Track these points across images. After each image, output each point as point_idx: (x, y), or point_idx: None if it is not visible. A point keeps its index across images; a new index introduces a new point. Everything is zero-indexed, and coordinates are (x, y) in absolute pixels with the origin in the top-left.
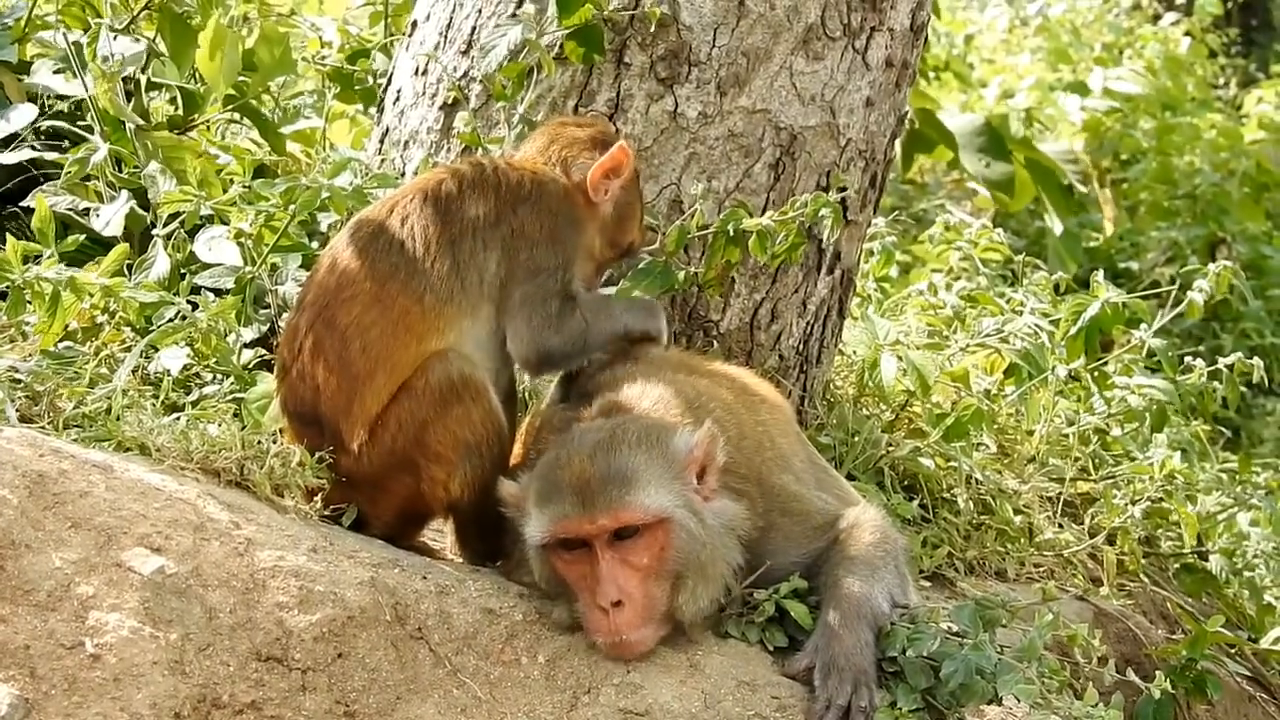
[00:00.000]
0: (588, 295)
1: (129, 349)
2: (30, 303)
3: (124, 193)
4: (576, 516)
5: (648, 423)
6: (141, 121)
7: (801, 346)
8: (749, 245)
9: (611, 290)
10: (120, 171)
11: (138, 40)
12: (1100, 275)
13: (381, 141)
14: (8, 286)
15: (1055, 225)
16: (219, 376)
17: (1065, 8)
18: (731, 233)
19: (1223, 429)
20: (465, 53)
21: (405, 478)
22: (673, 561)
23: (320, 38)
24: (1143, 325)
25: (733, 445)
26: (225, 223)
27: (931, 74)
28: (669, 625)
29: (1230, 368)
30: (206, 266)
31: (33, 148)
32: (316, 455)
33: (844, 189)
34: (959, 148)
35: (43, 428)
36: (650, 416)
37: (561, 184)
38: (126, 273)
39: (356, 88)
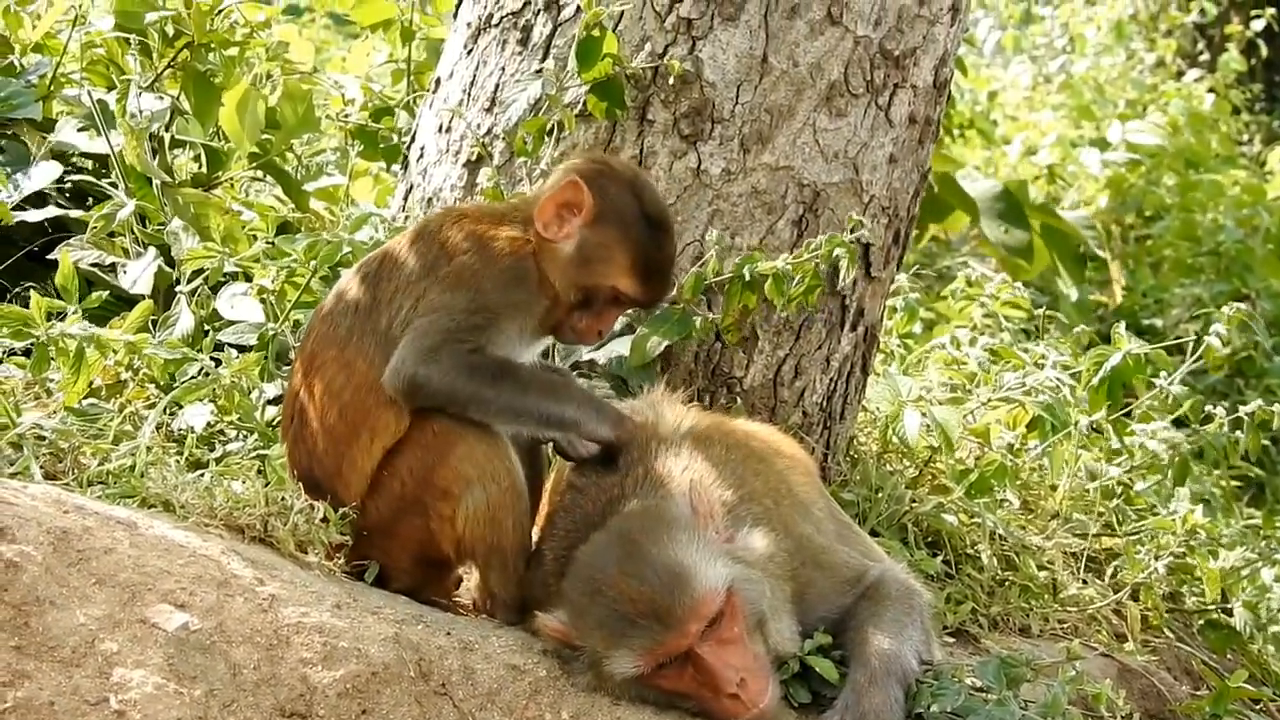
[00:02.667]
0: (531, 367)
1: (153, 406)
2: (54, 360)
3: (151, 249)
4: (667, 638)
5: (640, 510)
6: (167, 178)
7: (825, 403)
8: (765, 290)
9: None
10: (144, 227)
11: (161, 98)
12: (1122, 327)
13: (405, 198)
14: (32, 343)
15: (1072, 292)
16: (243, 433)
17: (1088, 65)
18: (748, 277)
19: (1246, 480)
20: (489, 110)
21: (415, 520)
22: (751, 614)
23: (343, 95)
24: (1163, 374)
25: (748, 492)
26: (249, 279)
27: (956, 131)
28: (776, 665)
29: (1251, 416)
30: (230, 323)
31: (57, 204)
32: (340, 511)
33: (858, 230)
34: (979, 213)
35: (67, 485)
36: (641, 499)
37: (512, 238)
38: (151, 329)
39: (381, 145)
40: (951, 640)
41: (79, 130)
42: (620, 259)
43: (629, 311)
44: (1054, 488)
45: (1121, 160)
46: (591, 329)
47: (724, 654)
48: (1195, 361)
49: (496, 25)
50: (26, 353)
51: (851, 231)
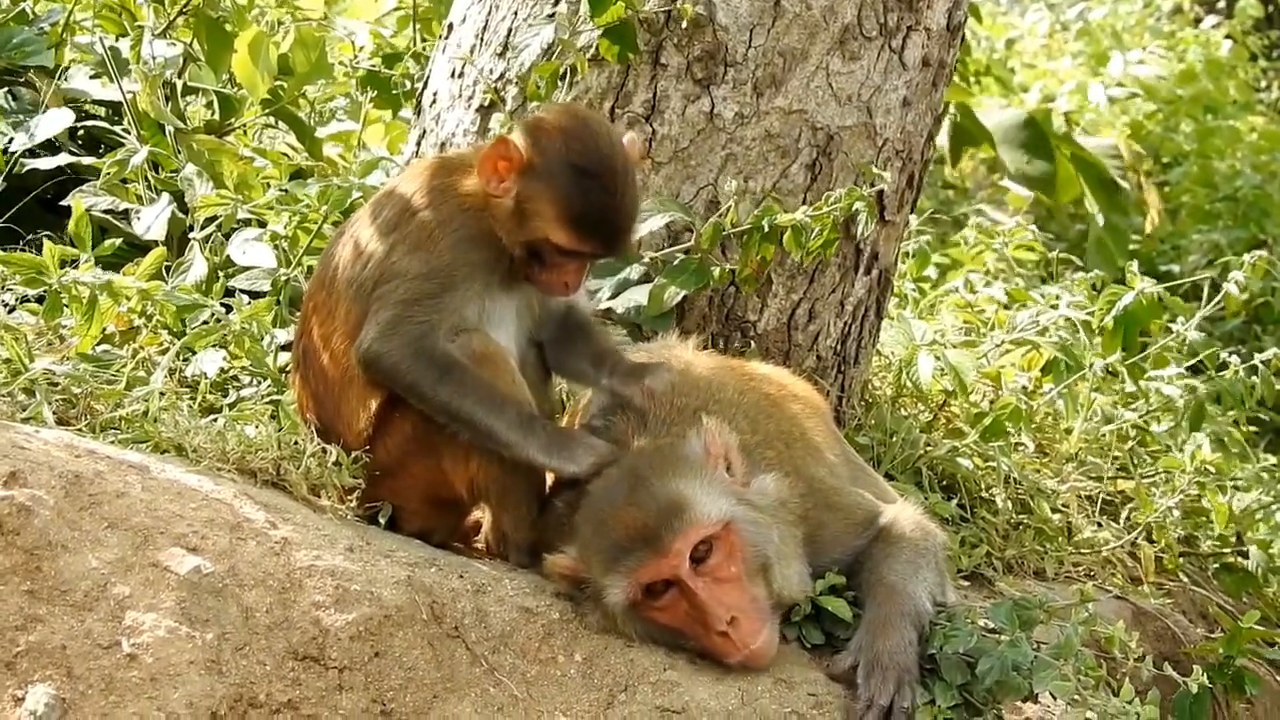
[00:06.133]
0: (476, 374)
1: (166, 352)
2: (68, 306)
3: (164, 196)
4: (652, 560)
5: (653, 447)
6: (180, 124)
7: (839, 347)
8: (783, 241)
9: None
10: (158, 174)
11: (174, 44)
12: (1135, 266)
13: (418, 144)
14: (45, 290)
15: (1099, 218)
16: (255, 379)
17: (1106, 11)
18: (766, 229)
19: (1262, 427)
20: (501, 55)
21: (427, 460)
22: (753, 556)
23: (353, 42)
24: (1180, 319)
25: (763, 437)
26: (262, 225)
27: (972, 78)
28: (779, 615)
29: (1266, 363)
30: (243, 269)
31: (69, 152)
32: (353, 455)
33: (876, 183)
34: (997, 143)
35: (80, 430)
36: (655, 438)
37: (468, 194)
38: (164, 275)
39: (393, 91)
40: (966, 583)
41: (91, 77)
42: (548, 211)
43: (644, 261)
44: (1069, 431)
45: (1125, 95)
46: (555, 282)
47: (718, 591)
48: (1212, 308)
49: None
50: (40, 300)
51: (870, 185)
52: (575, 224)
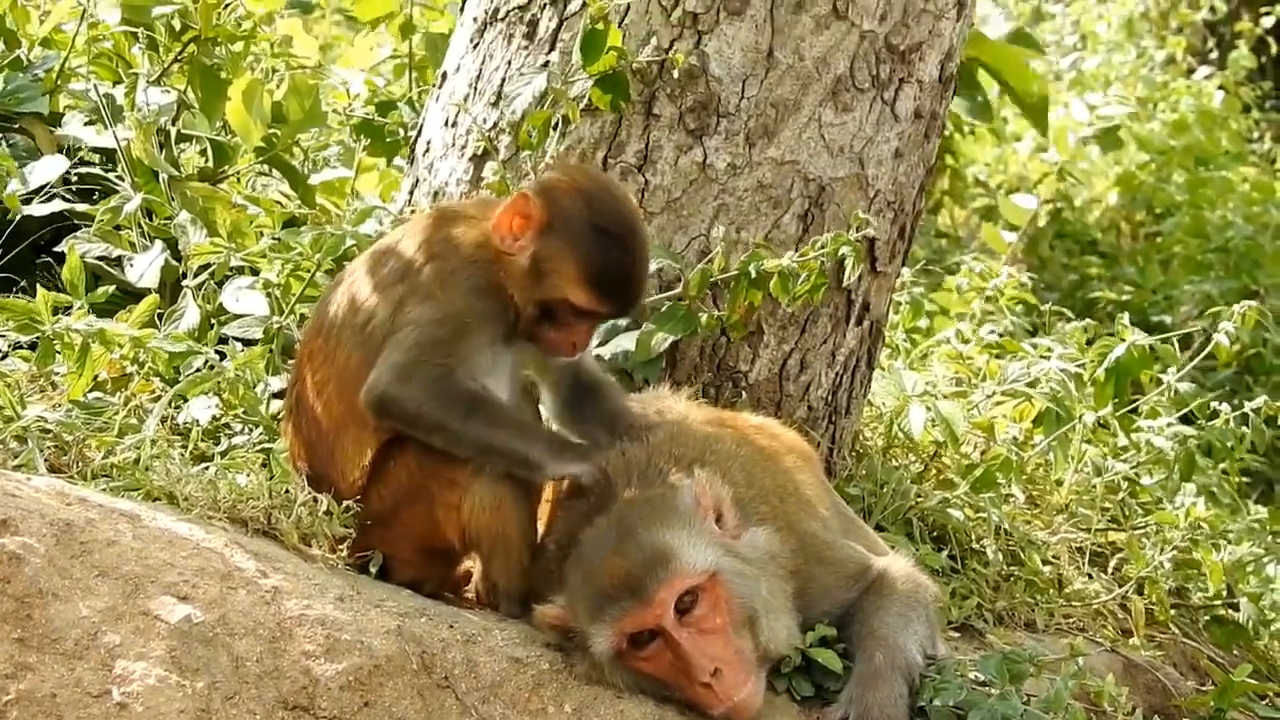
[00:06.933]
0: (502, 403)
1: (158, 399)
2: (60, 353)
3: (157, 243)
4: (635, 609)
5: (644, 497)
6: (174, 171)
7: (830, 397)
8: (771, 287)
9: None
10: (151, 221)
11: (168, 92)
12: (1126, 319)
13: (412, 192)
14: (38, 337)
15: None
16: (247, 427)
17: (1100, 61)
18: (753, 274)
19: (1254, 477)
20: (495, 104)
21: (420, 509)
22: (740, 608)
23: (347, 90)
24: (1171, 370)
25: (758, 491)
26: (255, 273)
27: (966, 128)
28: (765, 667)
29: (1257, 411)
30: (235, 317)
31: (63, 198)
32: (344, 504)
33: (864, 229)
34: None
35: (71, 478)
36: (647, 489)
37: (480, 245)
38: (157, 323)
39: (387, 139)
40: (957, 635)
41: (86, 124)
42: (568, 271)
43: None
44: (1059, 482)
45: (1094, 132)
46: (563, 341)
47: (702, 643)
48: (1201, 358)
49: (502, 19)
50: (32, 346)
51: (857, 230)
52: (595, 284)
